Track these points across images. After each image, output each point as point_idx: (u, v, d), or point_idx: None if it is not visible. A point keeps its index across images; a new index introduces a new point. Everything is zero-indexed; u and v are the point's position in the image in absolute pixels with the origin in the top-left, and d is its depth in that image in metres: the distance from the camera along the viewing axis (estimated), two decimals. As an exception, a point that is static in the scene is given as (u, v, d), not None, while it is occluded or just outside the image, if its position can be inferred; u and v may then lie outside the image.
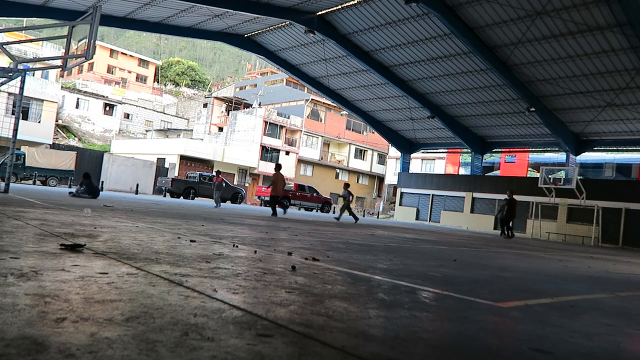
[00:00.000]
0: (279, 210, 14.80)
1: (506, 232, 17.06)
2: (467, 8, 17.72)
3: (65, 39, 10.65)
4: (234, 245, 4.01)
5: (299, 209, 29.87)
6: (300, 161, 45.55)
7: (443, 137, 29.42)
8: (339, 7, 20.09)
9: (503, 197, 26.99)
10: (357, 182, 50.64)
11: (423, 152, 34.24)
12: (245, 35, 24.98)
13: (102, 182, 27.89)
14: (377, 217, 35.90)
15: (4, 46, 10.24)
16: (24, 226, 3.83)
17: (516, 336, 1.81)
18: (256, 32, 24.38)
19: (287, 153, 44.19)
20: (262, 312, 1.72)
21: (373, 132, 41.16)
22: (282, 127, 43.81)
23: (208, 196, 27.62)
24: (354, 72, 25.51)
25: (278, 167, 14.12)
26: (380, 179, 50.33)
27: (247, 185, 39.98)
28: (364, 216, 34.39)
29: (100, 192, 13.67)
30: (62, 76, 43.63)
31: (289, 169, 43.97)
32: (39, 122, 33.36)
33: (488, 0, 16.80)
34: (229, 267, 2.75)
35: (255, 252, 3.71)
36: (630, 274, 5.88)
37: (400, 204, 31.50)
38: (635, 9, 14.72)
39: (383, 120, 30.51)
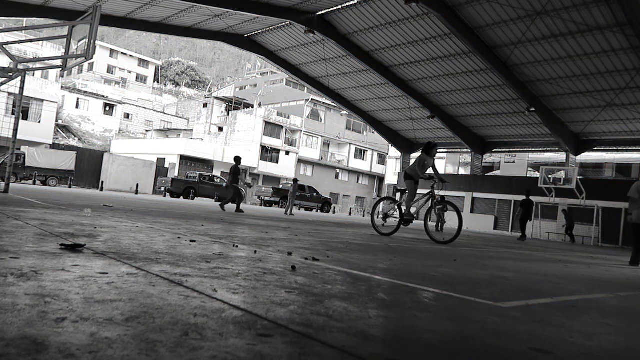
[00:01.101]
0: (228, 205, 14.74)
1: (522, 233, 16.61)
2: (467, 8, 17.73)
3: (65, 39, 10.65)
4: (234, 245, 4.01)
5: (299, 209, 29.87)
6: (300, 161, 45.56)
7: (443, 137, 29.43)
8: (339, 7, 20.10)
9: (503, 197, 26.97)
10: (357, 182, 50.67)
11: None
12: (245, 35, 24.99)
13: (102, 182, 27.90)
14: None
15: (4, 46, 10.24)
16: (24, 226, 3.83)
17: (516, 336, 1.81)
18: (256, 32, 24.39)
19: (287, 153, 44.20)
20: (262, 312, 1.72)
21: (373, 132, 41.19)
22: (282, 127, 43.83)
23: (208, 196, 27.65)
24: (354, 72, 25.52)
25: (237, 159, 13.88)
26: (380, 179, 50.36)
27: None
28: (363, 216, 34.38)
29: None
30: (62, 76, 43.65)
31: (289, 169, 44.00)
32: (39, 122, 33.37)
33: (488, 0, 16.81)
34: (229, 267, 2.75)
35: (255, 252, 3.71)
36: (631, 274, 5.88)
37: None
38: (635, 9, 14.73)
39: (383, 120, 30.52)
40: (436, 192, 7.83)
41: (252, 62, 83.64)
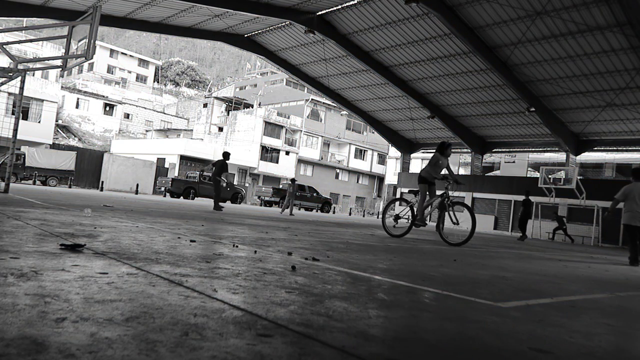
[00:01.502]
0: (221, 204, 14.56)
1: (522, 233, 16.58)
2: (467, 8, 17.73)
3: (65, 39, 10.65)
4: (234, 245, 4.01)
5: (299, 209, 29.87)
6: (300, 161, 45.57)
7: (443, 137, 29.43)
8: (339, 7, 20.10)
9: (503, 197, 26.99)
10: (357, 182, 50.67)
11: (423, 152, 34.29)
12: (245, 35, 24.99)
13: (102, 182, 27.89)
14: (377, 217, 35.90)
15: (4, 46, 10.24)
16: (24, 226, 3.83)
17: (516, 336, 1.81)
18: (256, 32, 24.39)
19: (287, 153, 44.21)
20: (262, 312, 1.72)
21: (373, 132, 41.20)
22: (282, 127, 43.83)
23: (208, 196, 27.64)
24: (354, 72, 25.52)
25: (225, 154, 13.29)
26: (380, 179, 50.38)
27: (247, 185, 40.00)
28: (363, 216, 34.40)
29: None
30: (62, 76, 43.66)
31: (289, 169, 44.00)
32: (39, 122, 33.38)
33: (488, 0, 16.81)
34: (229, 267, 2.75)
35: (255, 252, 3.71)
36: (631, 274, 5.88)
37: (400, 204, 31.49)
38: (635, 9, 14.73)
39: (383, 120, 30.52)
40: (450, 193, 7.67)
41: (252, 62, 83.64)
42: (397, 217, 8.33)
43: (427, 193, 7.97)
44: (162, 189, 26.87)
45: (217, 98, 50.62)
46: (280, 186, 32.76)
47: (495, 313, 2.21)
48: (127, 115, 51.04)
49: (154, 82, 72.95)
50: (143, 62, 72.35)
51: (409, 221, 7.99)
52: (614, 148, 25.30)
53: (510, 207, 26.47)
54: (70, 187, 25.23)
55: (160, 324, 1.44)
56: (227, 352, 1.24)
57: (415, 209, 7.94)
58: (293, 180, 18.57)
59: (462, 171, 36.06)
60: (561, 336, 1.88)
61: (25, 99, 30.69)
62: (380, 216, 8.88)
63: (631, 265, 7.57)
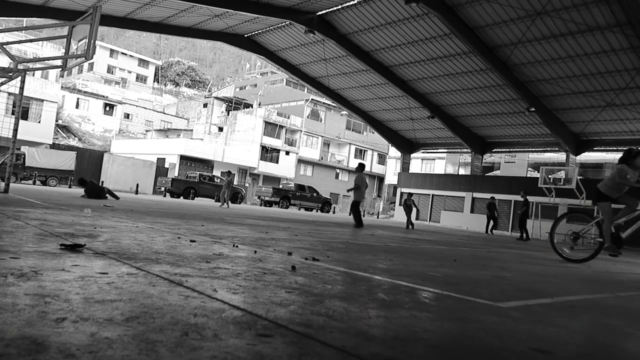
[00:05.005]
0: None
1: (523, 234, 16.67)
2: (467, 8, 17.72)
3: (65, 39, 10.65)
4: (234, 245, 4.01)
5: (299, 209, 29.86)
6: (300, 161, 45.55)
7: (443, 137, 29.41)
8: (339, 7, 20.09)
9: (503, 197, 26.98)
10: (357, 182, 50.61)
11: (423, 152, 34.27)
12: (245, 35, 24.98)
13: (102, 182, 27.90)
14: (377, 217, 35.91)
15: (4, 46, 10.23)
16: (24, 226, 3.82)
17: (516, 336, 1.81)
18: (256, 32, 24.38)
19: (287, 153, 44.19)
20: (262, 312, 1.72)
21: (373, 132, 41.16)
22: (282, 127, 43.82)
23: (208, 196, 27.64)
24: (354, 72, 25.50)
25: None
26: (380, 179, 50.36)
27: (247, 185, 39.99)
28: (364, 216, 34.40)
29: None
30: (62, 76, 43.65)
31: (289, 169, 43.99)
32: (39, 122, 33.37)
33: (488, 0, 16.80)
34: (229, 267, 2.75)
35: (255, 252, 3.71)
36: (631, 274, 5.88)
37: (400, 204, 31.48)
38: (635, 9, 14.72)
39: (383, 120, 30.50)
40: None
41: (252, 62, 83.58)
42: (576, 236, 6.91)
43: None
44: (162, 189, 26.86)
45: (217, 98, 50.60)
46: (280, 186, 32.76)
47: (495, 313, 2.21)
48: (127, 115, 51.01)
49: (154, 82, 72.92)
50: (143, 62, 72.33)
51: (597, 241, 6.50)
52: (614, 148, 25.26)
53: (510, 207, 26.44)
54: (70, 187, 25.22)
55: (160, 324, 1.44)
56: (227, 352, 1.24)
57: (602, 228, 6.40)
58: (229, 172, 19.28)
59: (462, 171, 36.05)
60: (561, 336, 1.88)
61: (25, 99, 30.67)
62: (549, 233, 7.63)
63: (357, 228, 10.34)
